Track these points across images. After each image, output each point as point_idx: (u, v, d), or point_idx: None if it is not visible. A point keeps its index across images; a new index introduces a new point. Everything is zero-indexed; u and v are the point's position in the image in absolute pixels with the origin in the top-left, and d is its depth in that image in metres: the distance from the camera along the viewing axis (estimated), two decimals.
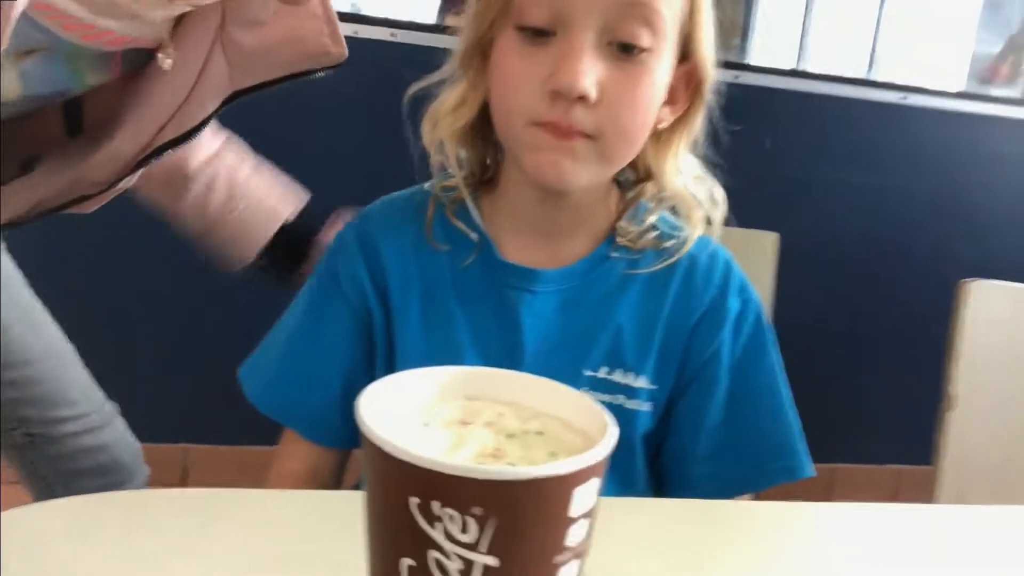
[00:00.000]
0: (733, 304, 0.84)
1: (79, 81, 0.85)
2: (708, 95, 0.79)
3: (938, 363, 2.44)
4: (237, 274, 1.14)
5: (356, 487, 0.89)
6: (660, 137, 0.80)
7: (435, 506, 0.36)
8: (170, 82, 0.85)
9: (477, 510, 0.36)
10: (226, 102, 0.87)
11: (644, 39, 0.71)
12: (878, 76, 2.72)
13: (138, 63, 0.88)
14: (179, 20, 0.85)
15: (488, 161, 0.85)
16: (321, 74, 0.88)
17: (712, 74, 0.78)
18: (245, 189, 1.09)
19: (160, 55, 0.82)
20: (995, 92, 2.78)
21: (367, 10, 2.18)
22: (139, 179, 0.96)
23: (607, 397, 0.80)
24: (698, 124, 0.81)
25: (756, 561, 0.65)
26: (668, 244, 0.83)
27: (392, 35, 2.02)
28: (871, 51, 2.87)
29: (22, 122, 0.93)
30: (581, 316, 0.82)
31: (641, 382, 0.81)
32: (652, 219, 0.83)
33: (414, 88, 0.83)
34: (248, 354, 0.89)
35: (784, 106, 2.33)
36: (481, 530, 0.36)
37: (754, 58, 2.66)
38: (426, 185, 0.87)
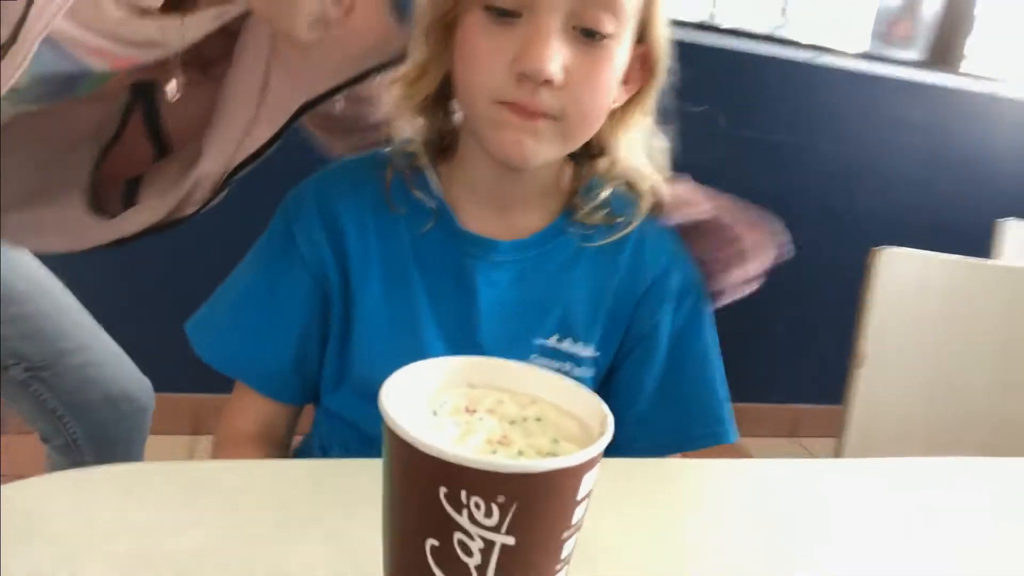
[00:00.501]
0: (676, 280, 0.88)
1: (102, 81, 0.84)
2: (662, 75, 0.82)
3: (840, 314, 2.63)
4: None
5: (304, 444, 0.94)
6: (614, 115, 0.83)
7: (463, 495, 0.41)
8: (239, 100, 0.85)
9: (501, 498, 0.41)
10: (297, 115, 0.87)
11: (608, 25, 0.73)
12: (789, 32, 2.80)
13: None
14: (235, 37, 0.85)
15: (446, 130, 0.87)
16: (387, 69, 0.87)
17: (665, 56, 0.81)
18: None
19: (167, 88, 0.82)
20: (898, 54, 2.90)
21: None
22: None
23: (556, 364, 0.84)
24: (651, 103, 0.84)
25: (705, 516, 0.71)
26: (619, 220, 0.86)
27: None
28: (783, 6, 2.95)
29: (113, 152, 0.94)
30: (535, 287, 0.85)
31: (588, 351, 0.85)
32: (605, 194, 0.86)
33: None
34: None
35: (695, 62, 2.36)
36: (503, 514, 0.41)
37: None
38: (384, 149, 0.87)
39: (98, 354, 1.21)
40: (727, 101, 2.42)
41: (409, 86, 0.82)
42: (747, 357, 2.65)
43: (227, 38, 0.86)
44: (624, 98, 0.83)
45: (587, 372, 0.85)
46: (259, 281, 0.86)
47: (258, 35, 0.85)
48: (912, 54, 2.93)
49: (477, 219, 0.85)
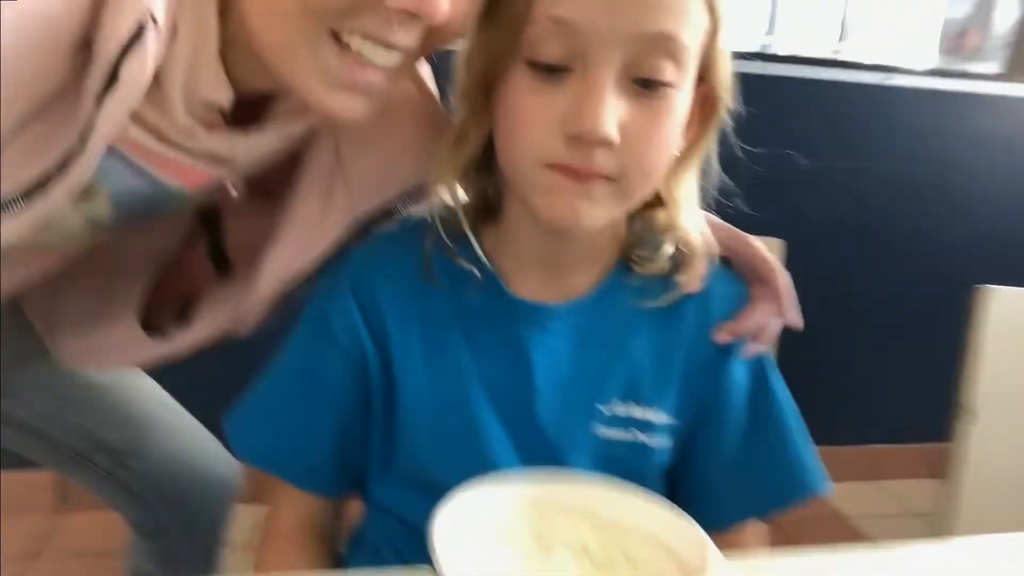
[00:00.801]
0: None
1: (179, 205, 0.84)
2: (724, 117, 0.76)
3: (925, 348, 2.50)
4: None
5: (355, 544, 0.88)
6: (672, 164, 0.76)
7: None
8: (298, 222, 0.84)
9: None
10: (353, 231, 0.86)
11: (668, 73, 0.66)
12: (850, 53, 2.70)
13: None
14: (299, 156, 0.85)
15: (490, 192, 0.81)
16: None
17: (728, 95, 0.75)
18: None
19: (228, 186, 0.81)
20: (970, 68, 2.78)
21: None
22: None
23: (625, 434, 0.78)
24: (711, 146, 0.78)
25: None
26: (679, 278, 0.79)
27: None
28: (841, 26, 2.85)
29: (173, 269, 0.95)
30: (594, 351, 0.79)
31: (659, 417, 0.79)
32: (667, 251, 0.79)
33: None
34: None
35: (754, 92, 2.27)
36: None
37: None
38: (421, 218, 0.82)
39: (183, 435, 1.18)
40: (791, 131, 2.33)
41: (450, 149, 0.76)
42: (820, 396, 2.52)
43: (293, 162, 0.85)
44: (683, 145, 0.76)
45: (662, 441, 0.79)
46: (293, 371, 0.82)
47: (321, 155, 0.84)
48: (987, 66, 2.80)
49: (526, 284, 0.79)
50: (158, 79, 0.66)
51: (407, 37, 0.66)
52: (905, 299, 2.53)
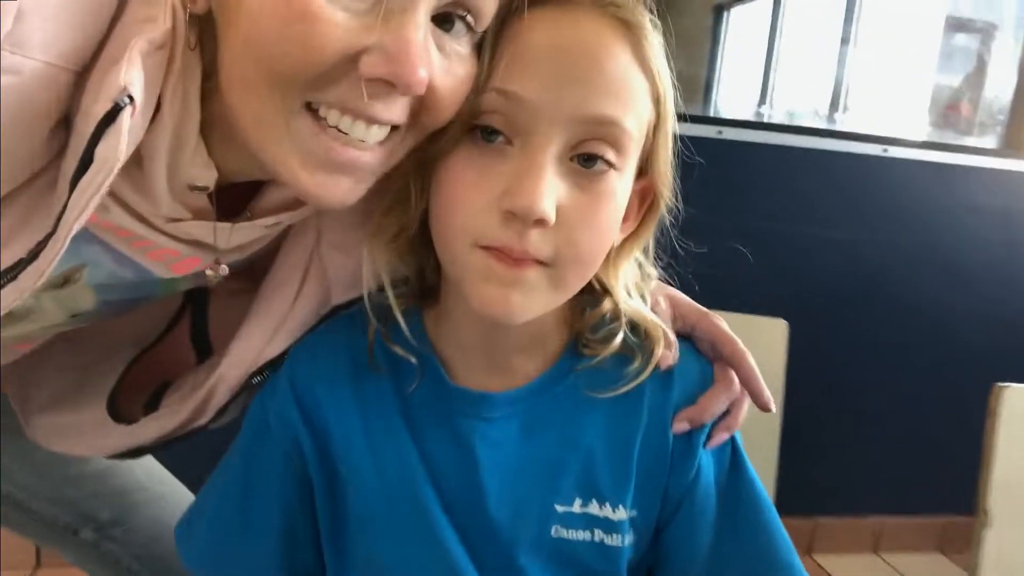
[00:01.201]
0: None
1: (165, 291, 0.83)
2: (662, 211, 0.75)
3: (926, 419, 2.48)
4: None
5: None
6: (609, 255, 0.74)
7: None
8: (269, 304, 0.81)
9: None
10: (322, 319, 0.83)
11: (610, 157, 0.66)
12: (843, 122, 2.72)
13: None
14: (278, 239, 0.83)
15: (427, 273, 0.78)
16: None
17: (667, 194, 0.74)
18: None
19: (208, 271, 0.78)
20: (967, 141, 2.80)
21: None
22: None
23: (583, 534, 0.74)
24: (648, 239, 0.77)
25: None
26: (630, 367, 0.76)
27: None
28: (834, 99, 2.88)
29: (153, 354, 0.93)
30: (545, 444, 0.75)
31: (620, 513, 0.75)
32: (618, 339, 0.76)
33: None
34: None
35: (753, 159, 2.29)
36: None
37: (720, 110, 2.65)
38: (357, 307, 0.80)
39: (170, 502, 1.13)
40: (790, 199, 2.33)
41: (382, 217, 0.74)
42: (821, 467, 2.49)
43: (276, 247, 0.84)
44: (621, 237, 0.74)
45: (625, 539, 0.75)
46: (235, 475, 0.80)
47: (301, 242, 0.82)
48: (984, 141, 2.83)
49: (467, 370, 0.76)
50: (140, 162, 0.64)
51: (388, 111, 0.62)
52: (903, 370, 2.52)
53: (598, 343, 0.76)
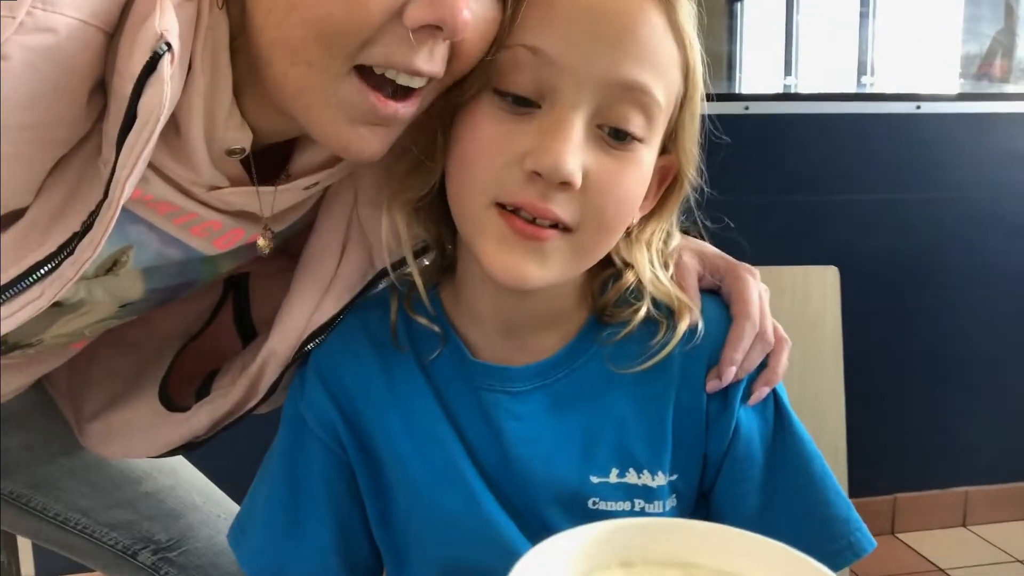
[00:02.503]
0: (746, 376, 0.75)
1: (212, 273, 0.84)
2: (687, 190, 0.73)
3: (999, 379, 2.41)
4: None
5: None
6: (630, 232, 0.73)
7: None
8: (313, 271, 0.81)
9: None
10: (372, 283, 0.82)
11: (637, 126, 0.64)
12: (873, 87, 2.68)
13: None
14: (315, 208, 0.83)
15: (447, 247, 0.77)
16: None
17: (692, 174, 0.72)
18: None
19: (260, 241, 0.78)
20: (1004, 89, 2.75)
21: None
22: None
23: (623, 504, 0.72)
24: (672, 220, 0.76)
25: None
26: (656, 338, 0.73)
27: None
28: (860, 66, 2.84)
29: (200, 342, 0.93)
30: (575, 414, 0.73)
31: (659, 479, 0.73)
32: (643, 312, 0.73)
33: None
34: None
35: (783, 132, 2.27)
36: None
37: (744, 89, 2.63)
38: (381, 286, 0.81)
39: (226, 522, 1.12)
40: (827, 167, 2.29)
41: (402, 179, 0.72)
42: (898, 438, 2.43)
43: (311, 219, 0.84)
44: (639, 215, 0.73)
45: (666, 504, 0.73)
46: (279, 475, 0.79)
47: (338, 210, 0.81)
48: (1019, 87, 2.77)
49: (486, 345, 0.75)
50: (178, 127, 0.64)
51: (430, 62, 0.62)
52: (966, 325, 2.46)
53: (620, 314, 0.74)
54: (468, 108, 0.66)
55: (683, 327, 0.73)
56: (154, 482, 1.09)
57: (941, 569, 2.33)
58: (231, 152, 0.69)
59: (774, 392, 0.76)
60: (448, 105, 0.67)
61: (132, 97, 0.56)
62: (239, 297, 0.93)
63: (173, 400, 0.90)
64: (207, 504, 1.13)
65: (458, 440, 0.73)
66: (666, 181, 0.73)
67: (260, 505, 0.80)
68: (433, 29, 0.59)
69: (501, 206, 0.64)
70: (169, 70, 0.56)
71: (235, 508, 1.14)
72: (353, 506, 0.78)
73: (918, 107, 2.33)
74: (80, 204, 0.62)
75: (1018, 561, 2.37)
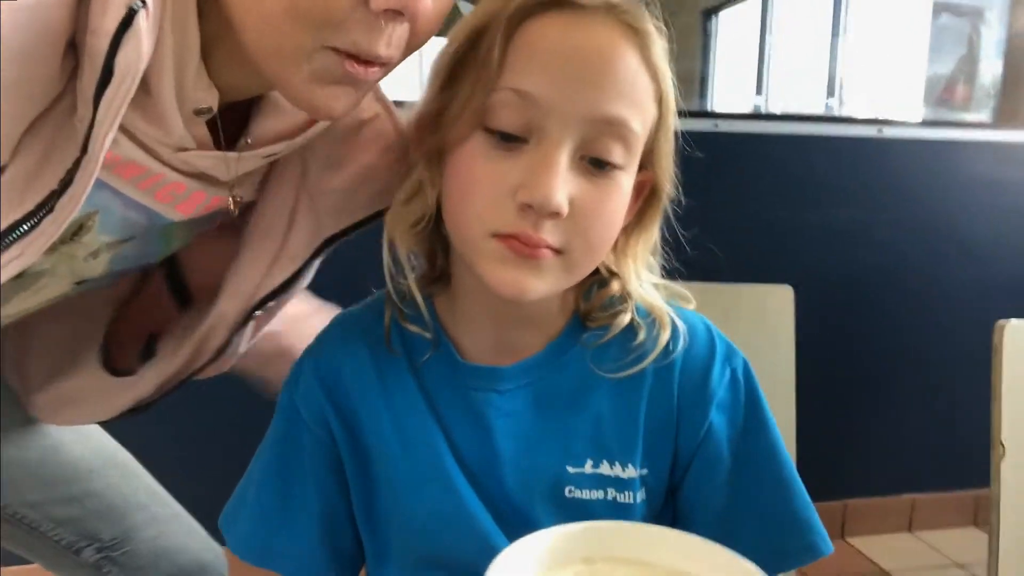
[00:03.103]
0: (720, 375, 0.79)
1: (166, 249, 0.86)
2: (665, 203, 0.78)
3: (946, 392, 2.49)
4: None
5: None
6: (616, 243, 0.78)
7: None
8: (264, 237, 0.84)
9: None
10: (319, 251, 0.86)
11: (617, 156, 0.69)
12: (841, 109, 2.75)
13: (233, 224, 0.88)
14: (265, 174, 0.85)
15: (439, 260, 0.81)
16: None
17: (669, 186, 0.77)
18: None
19: (231, 204, 0.81)
20: (964, 116, 2.83)
21: None
22: (252, 360, 0.97)
23: (596, 493, 0.76)
24: (655, 232, 0.80)
25: None
26: (636, 341, 0.78)
27: None
28: (829, 87, 2.91)
29: (133, 307, 0.94)
30: (554, 411, 0.78)
31: (630, 471, 0.77)
32: (626, 319, 0.79)
33: None
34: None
35: (752, 151, 2.33)
36: None
37: (716, 106, 2.70)
38: (380, 293, 0.84)
39: (170, 524, 1.15)
40: (793, 186, 2.37)
41: (402, 206, 0.77)
42: (850, 447, 2.51)
43: (260, 185, 0.86)
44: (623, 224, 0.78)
45: (636, 496, 0.77)
46: (271, 464, 0.82)
47: (288, 175, 0.84)
48: (976, 116, 2.86)
49: (476, 347, 0.80)
50: (149, 87, 0.65)
51: (388, 48, 0.66)
52: (920, 342, 2.54)
53: (603, 317, 0.79)
54: (460, 145, 0.71)
55: (665, 336, 0.78)
56: (103, 479, 1.10)
57: (887, 572, 2.39)
58: (198, 112, 0.71)
59: (751, 393, 0.80)
60: (440, 142, 0.72)
61: (108, 54, 0.57)
62: (169, 261, 0.93)
63: (116, 365, 0.91)
64: (153, 504, 1.14)
65: (443, 438, 0.77)
66: (643, 193, 0.77)
67: (251, 492, 0.83)
68: (395, 13, 0.63)
69: (498, 236, 0.69)
70: (145, 25, 0.57)
71: (180, 509, 1.18)
72: (341, 498, 0.81)
73: (880, 131, 2.40)
74: (56, 162, 0.62)
75: (958, 566, 2.45)
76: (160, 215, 0.77)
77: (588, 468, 0.77)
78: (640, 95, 0.70)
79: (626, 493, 0.77)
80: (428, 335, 0.79)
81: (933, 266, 2.52)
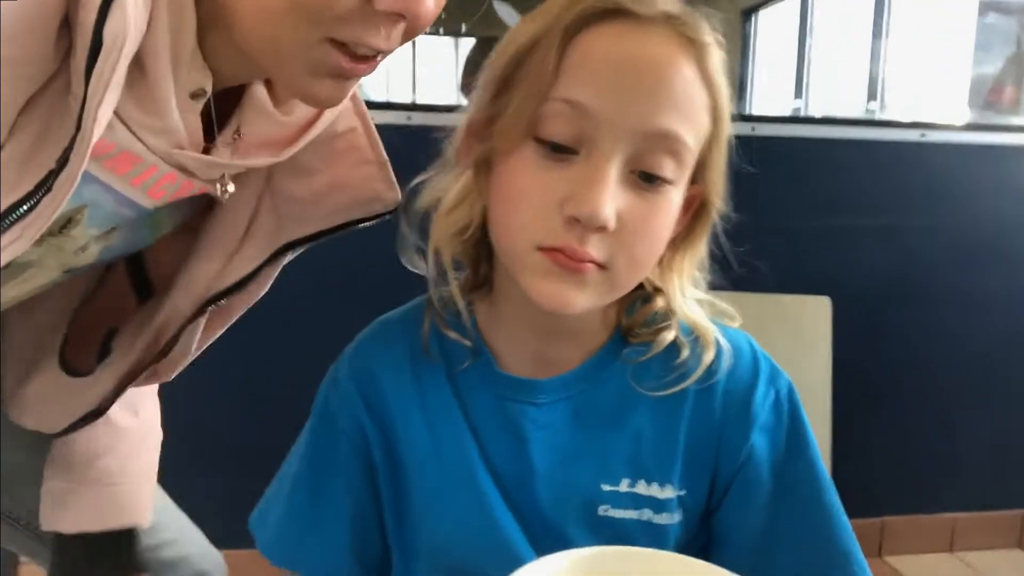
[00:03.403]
0: (763, 397, 0.78)
1: (153, 234, 0.86)
2: (714, 218, 0.77)
3: (988, 409, 2.44)
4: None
5: None
6: (662, 259, 0.77)
7: None
8: (222, 233, 0.85)
9: None
10: (278, 254, 0.86)
11: (669, 171, 0.68)
12: (882, 112, 2.70)
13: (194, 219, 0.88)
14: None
15: (482, 268, 0.81)
16: (373, 221, 0.87)
17: (719, 203, 0.76)
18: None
19: (220, 190, 0.80)
20: (1012, 119, 2.76)
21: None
22: None
23: (633, 513, 0.75)
24: (702, 248, 0.79)
25: None
26: (679, 359, 0.77)
27: (408, 118, 1.98)
28: (870, 88, 2.87)
29: (94, 302, 0.94)
30: (593, 427, 0.77)
31: (668, 491, 0.76)
32: (670, 336, 0.78)
33: (417, 180, 0.81)
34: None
35: (789, 154, 2.29)
36: None
37: (754, 109, 2.66)
38: (421, 299, 0.84)
39: (172, 532, 1.14)
40: (829, 191, 2.32)
41: (446, 216, 0.78)
42: (889, 462, 2.45)
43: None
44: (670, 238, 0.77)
45: (673, 517, 0.76)
46: (305, 467, 0.83)
47: (253, 176, 0.84)
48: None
49: (515, 359, 0.79)
50: (144, 67, 0.66)
51: (389, 42, 0.67)
52: (961, 355, 2.48)
53: (646, 334, 0.78)
54: (509, 155, 0.70)
55: (709, 356, 0.77)
56: None
57: None
58: (193, 95, 0.71)
59: (794, 416, 0.79)
60: (490, 151, 0.72)
61: (97, 24, 0.57)
62: (132, 255, 0.94)
63: (74, 366, 0.91)
64: (156, 516, 1.11)
65: (476, 448, 0.77)
66: (692, 208, 0.76)
67: (283, 493, 0.83)
68: (397, 16, 0.64)
69: (543, 249, 0.68)
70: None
71: (182, 517, 1.18)
72: (372, 504, 0.81)
73: (923, 135, 2.35)
74: (52, 142, 0.63)
75: None
76: (148, 209, 0.78)
77: (624, 487, 0.76)
78: (695, 109, 0.69)
79: (662, 514, 0.76)
80: (467, 343, 0.79)
81: (976, 276, 2.46)
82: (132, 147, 0.70)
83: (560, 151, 0.67)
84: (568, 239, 0.67)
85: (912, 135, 2.35)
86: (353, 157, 0.85)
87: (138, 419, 1.04)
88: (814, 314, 1.25)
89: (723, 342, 0.78)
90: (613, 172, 0.66)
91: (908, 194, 2.38)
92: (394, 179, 0.86)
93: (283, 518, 0.83)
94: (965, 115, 3.07)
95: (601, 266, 0.68)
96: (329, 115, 0.82)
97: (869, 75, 2.93)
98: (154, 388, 1.07)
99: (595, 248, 0.67)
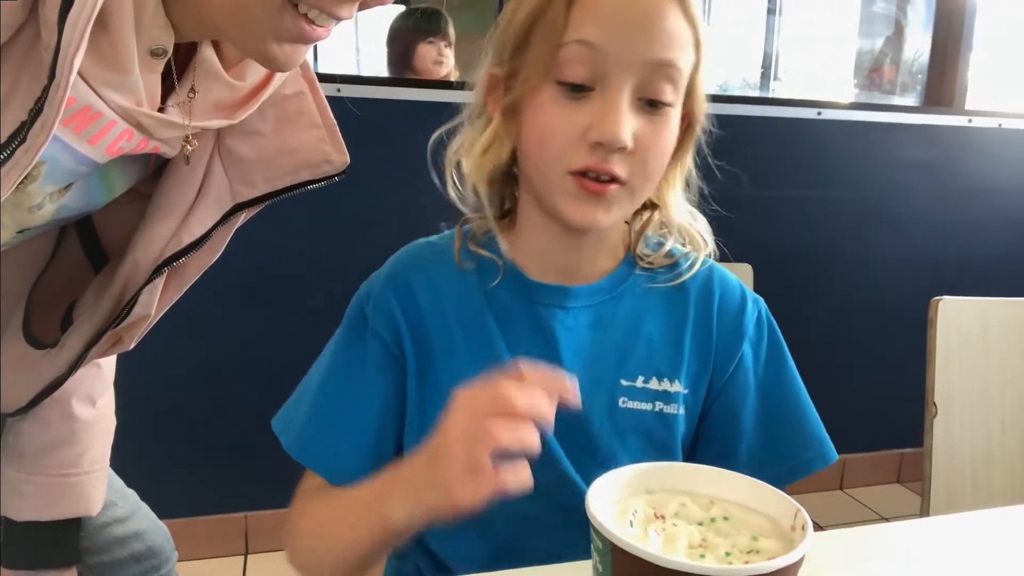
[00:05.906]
0: (750, 317, 0.90)
1: (108, 194, 0.85)
2: (698, 132, 0.87)
3: (883, 361, 2.62)
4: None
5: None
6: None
7: None
8: (174, 197, 0.86)
9: None
10: (229, 215, 0.87)
11: (668, 95, 0.79)
12: (777, 90, 2.85)
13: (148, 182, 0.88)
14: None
15: (506, 202, 0.91)
16: (323, 183, 0.89)
17: (703, 119, 0.86)
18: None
19: (188, 148, 0.81)
20: (891, 97, 2.96)
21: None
22: None
23: (647, 405, 0.85)
24: (688, 160, 0.89)
25: None
26: (681, 260, 0.90)
27: (338, 90, 2.02)
28: (764, 67, 2.99)
29: (50, 275, 0.93)
30: (613, 331, 0.87)
31: (676, 386, 0.87)
32: (668, 245, 0.90)
33: (439, 132, 0.89)
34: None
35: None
36: None
37: None
38: (451, 230, 0.92)
39: (122, 509, 1.14)
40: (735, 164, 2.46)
41: (479, 157, 0.86)
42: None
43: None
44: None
45: (678, 408, 0.87)
46: (336, 369, 0.88)
47: (203, 139, 0.85)
48: (906, 99, 2.99)
49: (542, 275, 0.88)
50: (107, 22, 0.65)
51: (349, 10, 0.70)
52: (852, 312, 2.66)
53: (650, 252, 0.90)
54: (533, 98, 0.80)
55: (702, 256, 0.90)
56: None
57: (821, 526, 2.54)
58: (154, 53, 0.71)
59: (772, 330, 0.91)
60: (515, 99, 0.81)
61: None
62: (84, 225, 0.93)
63: (40, 340, 0.91)
64: (109, 495, 1.11)
65: (508, 351, 0.84)
66: (682, 126, 0.84)
67: (310, 392, 0.87)
68: None
69: (573, 173, 0.78)
70: None
71: (131, 495, 1.17)
72: (394, 417, 0.86)
73: (819, 113, 2.51)
74: (24, 93, 0.63)
75: (884, 519, 2.58)
76: (98, 163, 0.77)
77: (639, 383, 0.86)
78: (684, 41, 0.79)
79: (672, 405, 0.86)
80: (498, 261, 0.88)
81: (863, 239, 2.62)
82: (93, 102, 0.70)
83: (578, 90, 0.77)
84: (594, 159, 0.77)
85: (809, 113, 2.50)
86: (303, 121, 0.86)
87: (95, 409, 1.04)
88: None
89: (711, 247, 0.90)
90: (625, 100, 0.76)
91: (806, 167, 2.54)
92: (343, 143, 0.88)
93: (309, 417, 0.86)
94: (852, 91, 3.26)
95: (622, 183, 0.78)
96: (278, 79, 0.82)
97: (764, 53, 3.07)
98: (111, 378, 1.07)
99: (617, 166, 0.77)
